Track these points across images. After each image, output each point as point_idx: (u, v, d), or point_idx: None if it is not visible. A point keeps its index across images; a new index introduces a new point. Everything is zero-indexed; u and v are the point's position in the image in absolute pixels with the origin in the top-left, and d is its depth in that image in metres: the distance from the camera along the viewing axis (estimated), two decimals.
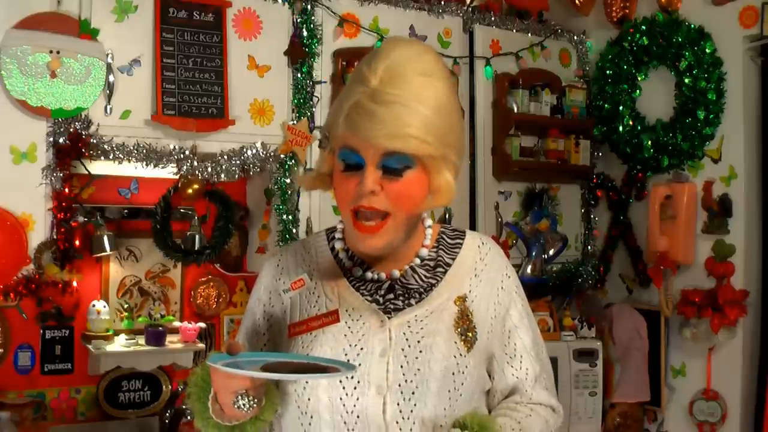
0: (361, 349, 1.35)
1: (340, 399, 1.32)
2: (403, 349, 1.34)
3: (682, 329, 3.19)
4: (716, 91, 3.13)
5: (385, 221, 1.30)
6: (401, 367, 1.33)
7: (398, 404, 1.31)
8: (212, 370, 1.21)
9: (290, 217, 2.81)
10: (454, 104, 1.34)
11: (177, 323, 3.07)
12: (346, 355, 1.34)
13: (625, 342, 3.34)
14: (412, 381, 1.32)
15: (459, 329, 1.38)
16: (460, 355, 1.36)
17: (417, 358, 1.33)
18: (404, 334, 1.36)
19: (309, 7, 2.85)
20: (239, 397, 1.22)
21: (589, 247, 3.63)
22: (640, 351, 3.33)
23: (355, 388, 1.32)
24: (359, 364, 1.33)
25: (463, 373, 1.35)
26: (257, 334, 1.48)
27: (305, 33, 2.84)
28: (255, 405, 1.24)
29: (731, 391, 3.10)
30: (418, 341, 1.35)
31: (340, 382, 1.33)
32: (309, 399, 1.34)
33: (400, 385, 1.32)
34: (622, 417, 3.33)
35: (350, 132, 1.26)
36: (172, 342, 2.96)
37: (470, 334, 1.39)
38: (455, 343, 1.36)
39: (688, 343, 3.19)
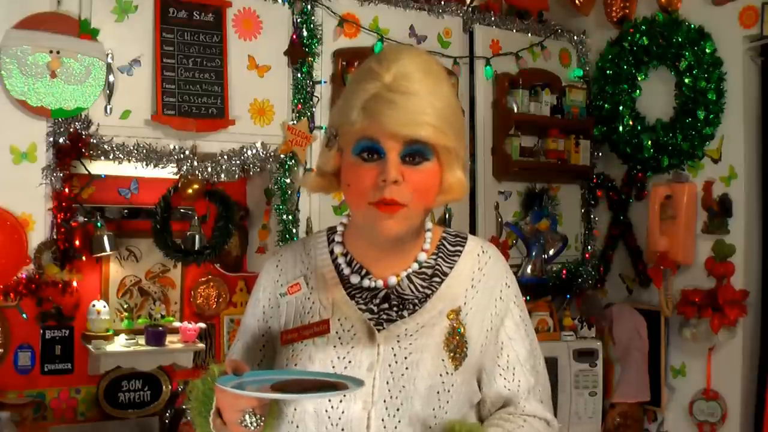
0: (349, 362, 1.34)
1: (326, 411, 1.32)
2: (390, 365, 1.33)
3: (682, 329, 3.18)
4: (716, 91, 3.13)
5: (401, 208, 1.30)
6: (387, 383, 1.32)
7: (383, 420, 1.31)
8: (219, 390, 1.22)
9: (290, 217, 2.81)
10: (459, 105, 1.38)
11: (177, 323, 3.07)
12: (333, 367, 1.34)
13: (625, 342, 3.34)
14: (397, 397, 1.32)
15: (449, 346, 1.36)
16: (447, 373, 1.34)
17: (403, 374, 1.33)
18: (393, 349, 1.35)
19: (309, 7, 2.86)
20: (246, 416, 1.23)
21: (589, 247, 3.63)
22: (640, 351, 3.32)
23: (341, 401, 1.32)
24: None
25: (448, 391, 1.34)
26: (255, 335, 1.48)
27: (305, 33, 2.84)
28: (261, 422, 1.25)
29: (731, 391, 3.10)
30: (406, 357, 1.34)
31: None
32: (296, 409, 1.34)
33: (385, 401, 1.31)
34: (622, 417, 3.33)
35: (370, 121, 1.27)
36: (172, 342, 2.96)
37: (460, 351, 1.37)
38: (443, 360, 1.35)
39: (688, 343, 3.19)
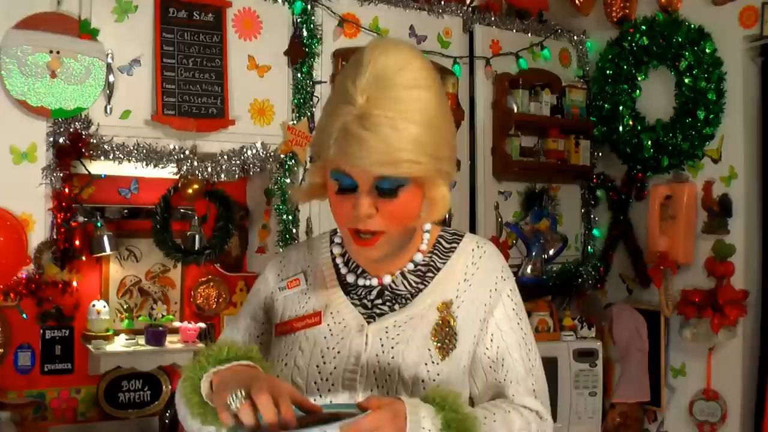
0: (338, 352, 1.36)
1: (314, 400, 1.32)
2: (377, 355, 1.35)
3: (682, 329, 3.19)
4: (716, 91, 3.13)
5: (379, 235, 1.30)
6: (374, 372, 1.34)
7: None
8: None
9: (290, 217, 2.81)
10: (444, 113, 1.30)
11: (177, 323, 3.07)
12: (323, 357, 1.36)
13: (625, 342, 3.34)
14: (383, 387, 1.33)
15: (437, 336, 1.37)
16: (433, 362, 1.35)
17: (389, 364, 1.34)
18: (380, 339, 1.36)
19: (309, 7, 2.86)
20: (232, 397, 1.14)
21: (589, 247, 3.63)
22: (640, 351, 3.33)
23: (329, 390, 1.34)
24: (335, 367, 1.34)
25: (434, 380, 1.34)
26: (256, 321, 1.50)
27: (305, 33, 2.84)
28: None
29: (731, 391, 3.10)
30: (392, 347, 1.35)
31: (315, 383, 1.34)
32: None
33: (371, 391, 1.32)
34: (622, 417, 3.33)
35: (340, 157, 1.23)
36: (172, 342, 2.96)
37: (448, 341, 1.37)
38: (429, 350, 1.35)
39: (688, 343, 3.19)
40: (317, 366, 1.36)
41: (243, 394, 1.12)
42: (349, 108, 1.22)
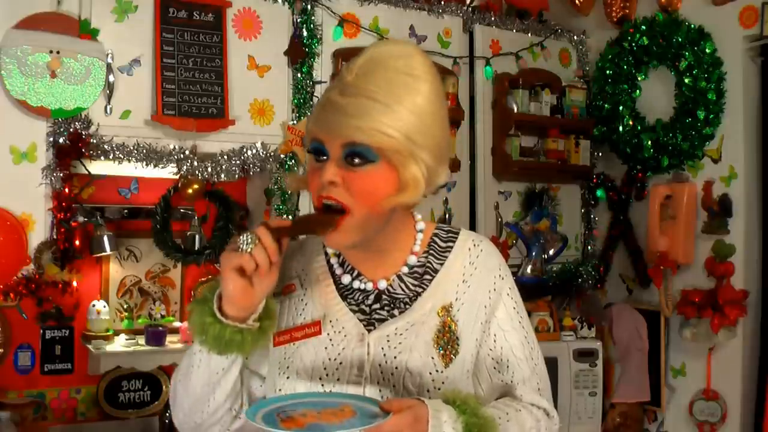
0: (340, 363, 1.33)
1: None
2: (380, 365, 1.33)
3: (682, 329, 3.19)
4: (716, 91, 3.13)
5: (342, 218, 1.26)
6: (378, 383, 1.32)
7: None
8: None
9: (290, 217, 2.81)
10: (435, 108, 1.28)
11: (177, 323, 3.07)
12: (325, 368, 1.33)
13: (625, 342, 3.34)
14: (387, 397, 1.31)
15: (439, 342, 1.35)
16: (437, 371, 1.33)
17: (392, 374, 1.32)
18: (382, 348, 1.34)
19: (309, 7, 2.86)
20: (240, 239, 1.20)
21: (589, 247, 3.63)
22: (640, 351, 3.33)
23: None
24: (338, 378, 1.32)
25: (438, 389, 1.32)
26: None
27: (305, 33, 2.84)
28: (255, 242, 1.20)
29: (731, 391, 3.10)
30: (395, 356, 1.33)
31: None
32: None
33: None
34: (622, 417, 3.33)
35: (315, 124, 1.26)
36: (172, 342, 2.96)
37: (451, 347, 1.35)
38: (432, 358, 1.33)
39: (688, 343, 3.19)
40: (320, 378, 1.33)
41: (254, 236, 1.19)
42: (338, 83, 1.26)
